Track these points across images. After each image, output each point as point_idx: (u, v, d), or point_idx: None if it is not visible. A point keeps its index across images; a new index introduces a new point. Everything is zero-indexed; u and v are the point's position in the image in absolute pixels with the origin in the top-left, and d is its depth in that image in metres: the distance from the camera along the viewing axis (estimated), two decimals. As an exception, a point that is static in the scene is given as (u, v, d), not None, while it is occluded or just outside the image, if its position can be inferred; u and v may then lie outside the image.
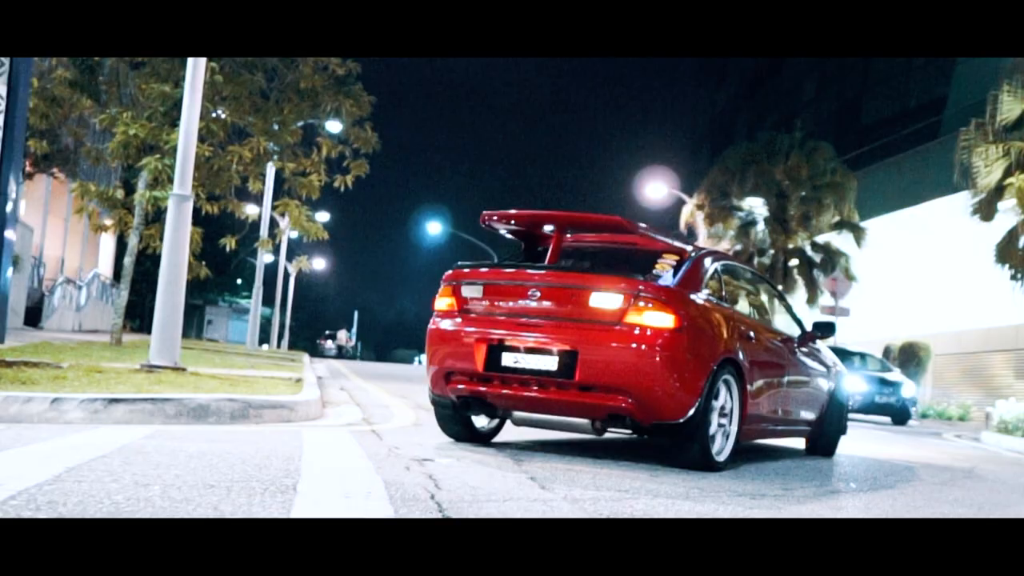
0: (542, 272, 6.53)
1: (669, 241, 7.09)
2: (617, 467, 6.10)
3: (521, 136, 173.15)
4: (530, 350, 6.23)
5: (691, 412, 6.10)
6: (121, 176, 28.37)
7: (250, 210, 19.30)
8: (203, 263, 18.74)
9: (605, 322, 6.11)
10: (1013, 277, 18.42)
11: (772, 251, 29.91)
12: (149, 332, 9.91)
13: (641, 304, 6.07)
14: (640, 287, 6.13)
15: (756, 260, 30.00)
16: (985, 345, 30.85)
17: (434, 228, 63.21)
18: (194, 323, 75.96)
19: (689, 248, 7.08)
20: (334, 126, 20.05)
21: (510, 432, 7.68)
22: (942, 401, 28.78)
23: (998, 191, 17.75)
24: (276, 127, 18.42)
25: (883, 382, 22.25)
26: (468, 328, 6.51)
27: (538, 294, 6.34)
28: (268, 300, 46.24)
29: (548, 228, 7.27)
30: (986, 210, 18.42)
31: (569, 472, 5.61)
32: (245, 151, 17.75)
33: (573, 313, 6.24)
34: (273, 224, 30.69)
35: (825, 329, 8.66)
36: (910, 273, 35.68)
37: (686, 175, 35.38)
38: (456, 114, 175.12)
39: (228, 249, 18.44)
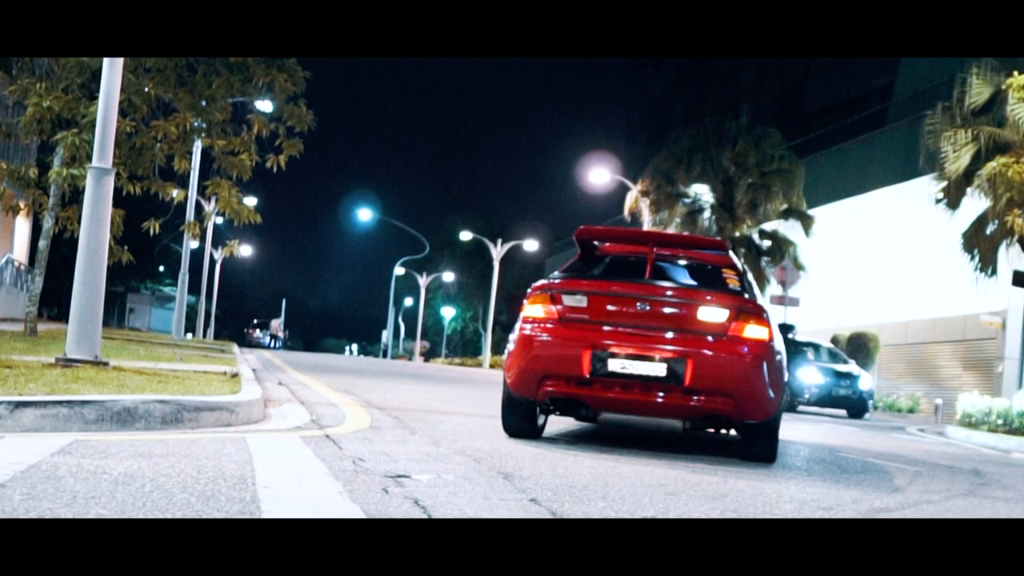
0: (650, 285, 7.24)
1: (730, 256, 8.03)
2: (616, 472, 5.24)
3: (456, 125, 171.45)
4: (636, 357, 6.87)
5: (775, 412, 7.14)
6: (36, 154, 26.75)
7: (176, 192, 17.97)
8: (125, 247, 17.46)
9: (713, 333, 6.92)
10: (979, 267, 17.92)
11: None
12: (67, 321, 8.80)
13: (743, 318, 6.96)
14: (744, 304, 7.09)
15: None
16: (932, 336, 30.73)
17: (365, 215, 62.01)
18: (115, 312, 73.59)
19: (738, 262, 8.03)
20: (266, 105, 18.86)
21: (479, 436, 6.79)
22: (891, 392, 28.57)
23: (966, 177, 17.25)
24: (204, 103, 17.22)
25: (840, 374, 21.81)
26: (571, 335, 7.02)
27: (646, 306, 7.03)
28: (194, 288, 44.66)
29: (644, 245, 8.09)
30: (954, 196, 17.93)
31: (570, 489, 4.73)
32: (170, 127, 16.53)
33: (681, 324, 6.99)
34: (200, 208, 29.32)
35: (789, 330, 9.52)
36: (856, 263, 35.50)
37: (628, 162, 34.70)
38: (389, 100, 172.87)
39: (152, 233, 17.16)
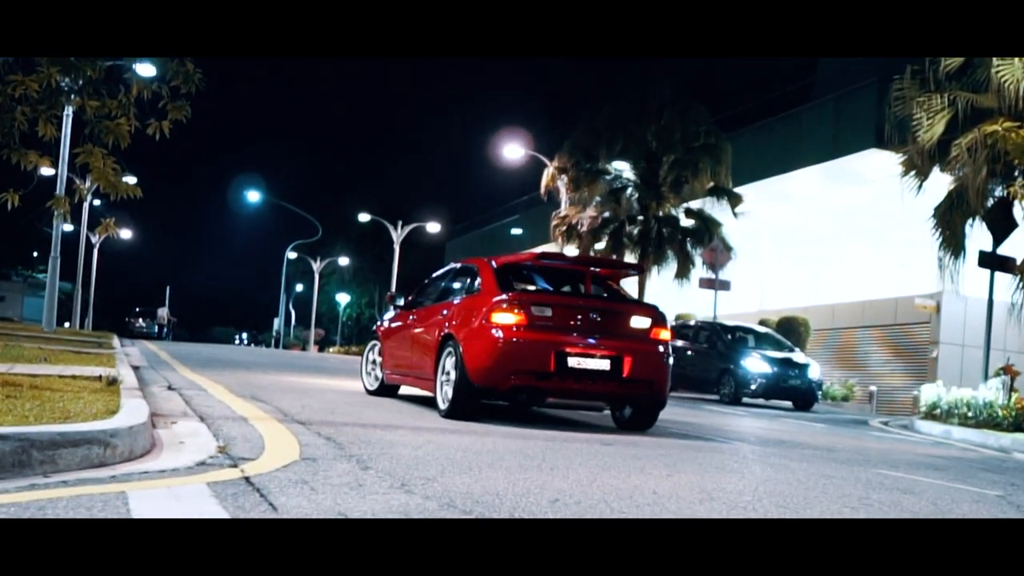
0: (597, 299, 9.49)
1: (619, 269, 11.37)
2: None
3: (353, 105, 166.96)
4: (588, 355, 8.70)
5: (668, 394, 9.46)
6: None
7: (37, 159, 15.37)
8: (-18, 226, 14.95)
9: (640, 337, 9.06)
10: (943, 246, 16.59)
11: (642, 218, 27.71)
12: None
13: (658, 324, 9.16)
14: (658, 314, 9.28)
15: (627, 228, 27.84)
16: (860, 320, 29.76)
17: (253, 197, 58.97)
18: (-17, 300, 68.96)
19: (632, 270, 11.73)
20: (147, 69, 16.41)
21: (452, 464, 4.93)
22: (823, 380, 27.42)
23: (940, 146, 15.87)
24: (72, 58, 14.75)
25: (789, 364, 20.37)
26: (539, 339, 8.65)
27: (595, 316, 8.94)
28: (69, 274, 41.39)
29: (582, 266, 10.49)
30: (925, 166, 16.53)
31: None
32: (32, 84, 14.03)
33: (619, 330, 9.00)
34: (71, 183, 26.45)
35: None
36: (779, 244, 34.44)
37: (544, 138, 32.89)
38: (280, 79, 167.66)
39: (10, 206, 14.59)
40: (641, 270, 11.23)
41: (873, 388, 24.90)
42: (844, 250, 31.57)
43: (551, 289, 10.22)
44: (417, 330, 10.46)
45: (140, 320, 62.52)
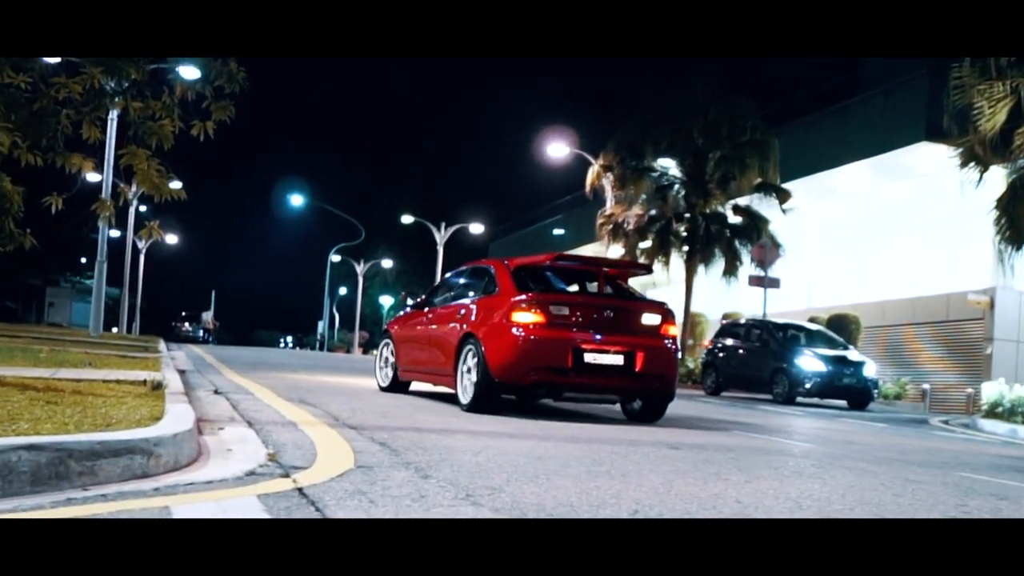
0: (610, 298, 9.93)
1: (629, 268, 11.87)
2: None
3: (394, 107, 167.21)
4: (603, 351, 9.12)
5: (676, 387, 10.10)
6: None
7: (82, 162, 15.17)
8: (27, 231, 14.77)
9: (651, 333, 9.50)
10: (1005, 238, 15.91)
11: (688, 215, 27.18)
12: None
13: (667, 321, 9.64)
14: (667, 311, 9.77)
15: (674, 226, 27.33)
16: (911, 317, 28.98)
17: (297, 201, 59.04)
18: (33, 306, 69.82)
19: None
20: (190, 72, 16.20)
21: (517, 470, 4.58)
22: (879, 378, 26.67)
23: (1002, 135, 15.21)
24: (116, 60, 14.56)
25: (843, 361, 19.75)
26: (557, 336, 9.04)
27: (609, 314, 9.38)
28: (116, 280, 41.59)
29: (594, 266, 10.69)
30: (987, 156, 15.85)
31: None
32: (75, 86, 13.86)
33: (631, 326, 9.44)
34: (116, 189, 26.47)
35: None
36: (827, 240, 33.72)
37: (589, 135, 32.45)
38: (322, 83, 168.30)
39: (54, 210, 14.41)
40: (650, 271, 11.35)
41: (926, 386, 24.15)
42: (893, 246, 30.80)
43: (567, 289, 10.58)
44: (434, 328, 10.84)
45: (186, 324, 62.84)
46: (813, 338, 21.12)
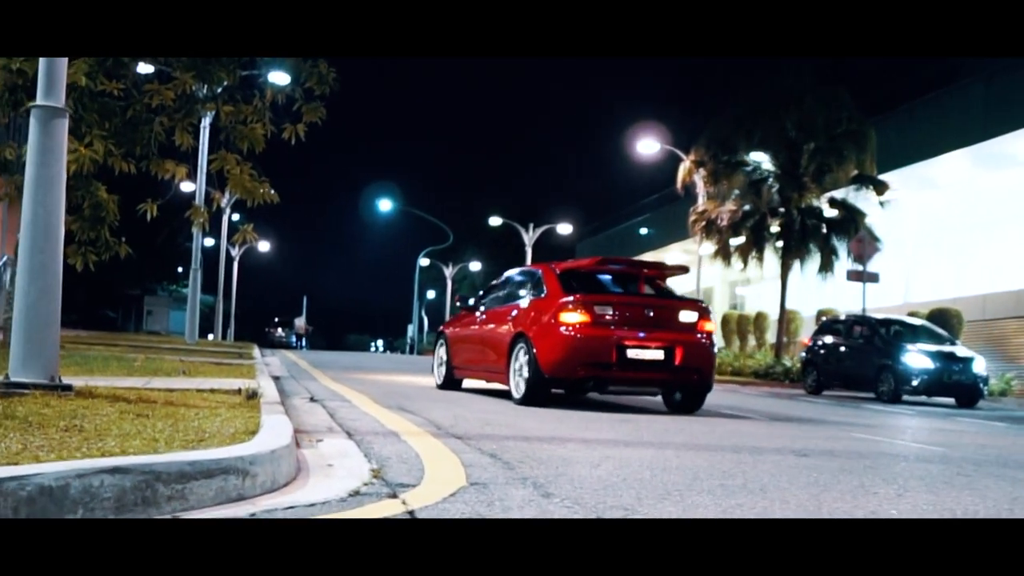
0: (652, 298, 10.72)
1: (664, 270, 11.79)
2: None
3: (480, 108, 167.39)
4: (644, 347, 9.94)
5: (714, 379, 10.79)
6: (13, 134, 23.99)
7: (174, 168, 15.09)
8: (122, 239, 14.74)
9: (689, 329, 10.28)
10: None
11: (783, 210, 26.29)
12: (74, 326, 6.12)
13: (704, 318, 10.41)
14: (704, 308, 10.68)
15: (768, 222, 26.47)
16: (1015, 310, 27.59)
17: (385, 206, 59.24)
18: (132, 315, 71.38)
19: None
20: (280, 78, 16.01)
21: (645, 487, 4.11)
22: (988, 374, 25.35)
23: None
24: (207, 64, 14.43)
25: (952, 358, 18.76)
26: (602, 334, 9.86)
27: (650, 312, 10.22)
28: (211, 288, 42.13)
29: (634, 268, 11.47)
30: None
31: None
32: (167, 91, 13.74)
33: (670, 324, 10.21)
34: (209, 197, 26.66)
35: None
36: (924, 233, 32.44)
37: (678, 132, 31.66)
38: (407, 86, 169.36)
39: (149, 217, 14.32)
40: (686, 272, 12.05)
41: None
42: (995, 237, 29.39)
43: (610, 290, 11.04)
44: (487, 329, 11.58)
45: (279, 330, 63.53)
46: (918, 333, 20.15)
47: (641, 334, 9.92)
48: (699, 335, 10.24)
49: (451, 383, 12.49)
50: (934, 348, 19.01)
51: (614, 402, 11.36)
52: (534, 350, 9.94)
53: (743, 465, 5.67)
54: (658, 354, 9.92)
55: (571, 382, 9.99)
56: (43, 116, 6.18)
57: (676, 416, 9.88)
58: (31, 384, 5.90)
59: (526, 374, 10.05)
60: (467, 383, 12.71)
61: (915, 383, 18.41)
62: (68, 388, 6.10)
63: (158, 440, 4.23)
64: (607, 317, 9.89)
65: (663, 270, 11.74)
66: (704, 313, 10.46)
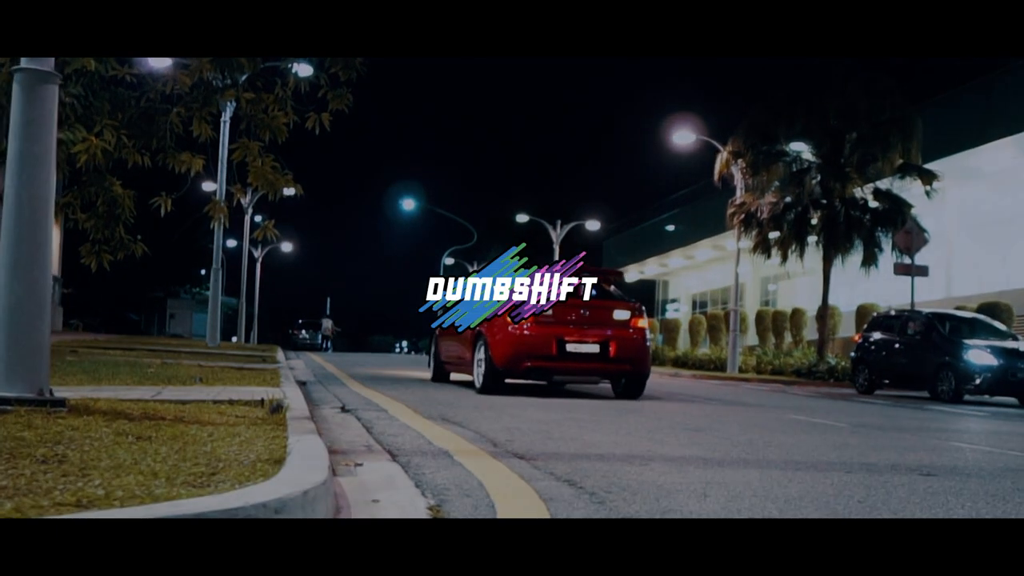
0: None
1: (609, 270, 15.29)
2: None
3: (507, 105, 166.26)
4: (581, 342, 11.54)
5: (649, 370, 12.52)
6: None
7: (196, 166, 14.15)
8: (138, 238, 13.83)
9: (622, 325, 11.85)
10: None
11: (825, 202, 25.11)
12: (93, 330, 5.22)
13: (637, 316, 12.00)
14: (637, 307, 12.18)
15: (810, 214, 25.30)
16: (1063, 303, 26.29)
17: (409, 205, 58.33)
18: (155, 318, 70.79)
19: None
20: (304, 70, 15.06)
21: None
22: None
23: None
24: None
25: (1016, 354, 17.48)
26: (544, 332, 11.46)
27: (586, 312, 11.67)
28: (234, 290, 41.35)
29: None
30: None
31: None
32: (183, 78, 12.84)
33: (605, 321, 11.79)
34: (229, 193, 25.80)
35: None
36: (969, 224, 31.21)
37: (714, 123, 30.56)
38: (431, 82, 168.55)
39: (163, 211, 13.39)
40: (619, 275, 14.38)
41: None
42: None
43: None
44: (460, 329, 12.23)
45: (303, 331, 62.65)
46: (976, 328, 18.91)
47: (579, 330, 11.53)
48: (631, 330, 11.84)
49: (441, 376, 14.19)
50: (998, 344, 17.82)
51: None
52: (488, 347, 11.48)
53: (868, 489, 4.69)
54: (594, 347, 11.54)
55: (519, 372, 11.51)
56: (28, 81, 5.27)
57: (754, 425, 8.85)
58: (14, 399, 4.99)
59: (483, 368, 11.63)
60: (453, 376, 14.20)
61: (978, 381, 17.24)
62: (60, 403, 5.18)
63: (157, 474, 3.30)
64: (548, 317, 11.13)
65: (604, 274, 13.36)
66: (636, 312, 12.02)
